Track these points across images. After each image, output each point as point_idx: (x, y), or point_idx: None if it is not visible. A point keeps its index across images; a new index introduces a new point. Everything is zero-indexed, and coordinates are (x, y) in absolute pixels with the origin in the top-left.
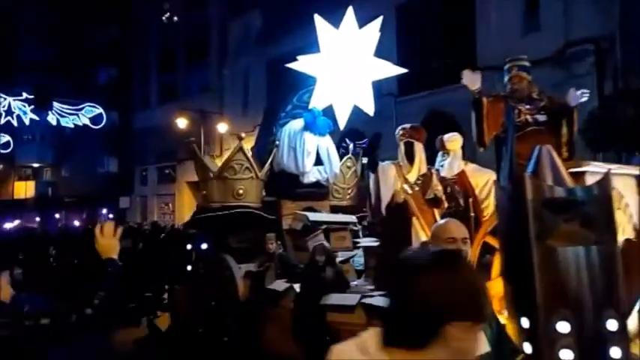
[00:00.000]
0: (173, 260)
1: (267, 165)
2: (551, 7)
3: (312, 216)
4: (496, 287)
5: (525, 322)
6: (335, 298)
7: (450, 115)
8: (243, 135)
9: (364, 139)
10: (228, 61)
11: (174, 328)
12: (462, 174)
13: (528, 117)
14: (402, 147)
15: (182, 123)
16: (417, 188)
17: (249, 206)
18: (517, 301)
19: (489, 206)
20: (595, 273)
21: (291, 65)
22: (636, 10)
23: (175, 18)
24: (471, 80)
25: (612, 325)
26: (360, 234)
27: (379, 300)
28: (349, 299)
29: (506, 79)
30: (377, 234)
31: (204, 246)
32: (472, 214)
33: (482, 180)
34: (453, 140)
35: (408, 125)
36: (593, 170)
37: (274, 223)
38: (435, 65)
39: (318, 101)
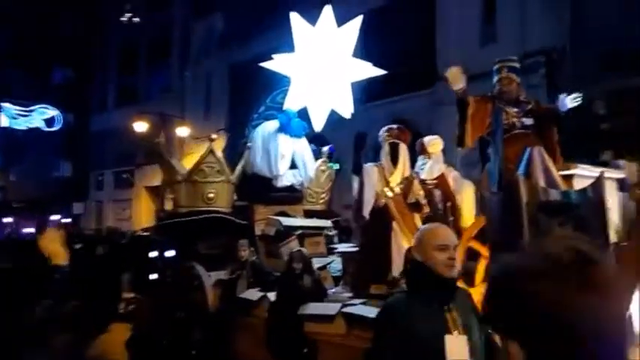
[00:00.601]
0: (135, 268)
1: (238, 168)
2: (508, 19)
3: (286, 221)
4: (479, 294)
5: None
6: (313, 308)
7: (411, 123)
8: (214, 136)
9: (329, 144)
10: (190, 63)
11: (136, 339)
12: (441, 177)
13: (515, 120)
14: (386, 148)
15: (141, 126)
16: (398, 191)
17: (219, 211)
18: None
19: (467, 216)
20: None
21: (265, 64)
22: (585, 24)
23: (137, 18)
24: (455, 79)
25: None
26: (336, 239)
27: (361, 309)
28: (329, 308)
29: (495, 79)
30: (355, 239)
31: (170, 253)
32: (451, 218)
33: (462, 189)
34: (434, 143)
35: (394, 125)
36: (581, 174)
37: (246, 229)
38: (398, 72)
39: (292, 102)
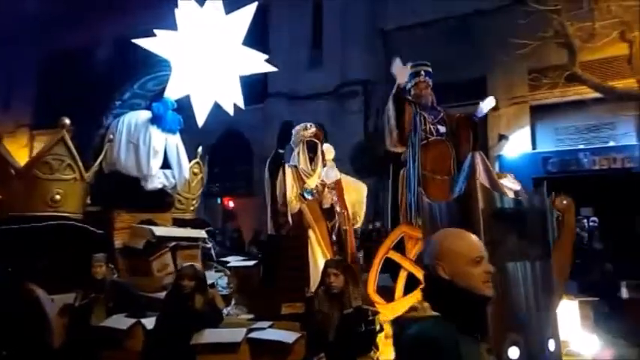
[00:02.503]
0: None
1: (96, 164)
2: (331, 48)
3: (159, 231)
4: (401, 309)
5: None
6: (211, 335)
7: (245, 135)
8: (66, 121)
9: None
10: None
11: None
12: (338, 182)
13: (431, 126)
14: (303, 147)
15: None
16: (313, 196)
17: (68, 217)
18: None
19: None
20: (538, 290)
21: (141, 43)
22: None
23: None
24: (399, 72)
25: (552, 345)
26: (213, 252)
27: (271, 333)
28: (231, 335)
29: (411, 84)
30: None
31: None
32: (345, 228)
33: (355, 191)
34: (330, 150)
35: (311, 123)
36: (506, 184)
37: (102, 241)
38: None
39: (173, 91)
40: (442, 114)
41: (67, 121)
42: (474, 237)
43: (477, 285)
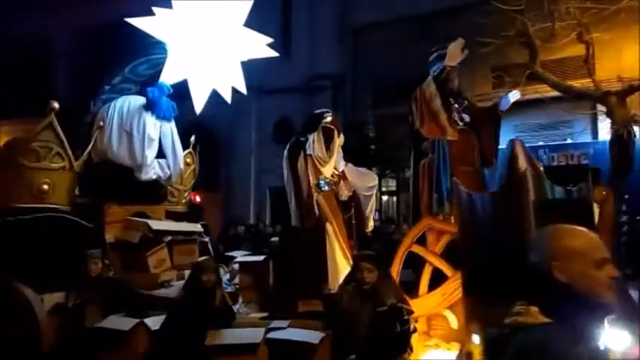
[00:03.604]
0: None
1: (85, 152)
2: (300, 43)
3: (155, 224)
4: (425, 306)
5: None
6: (228, 336)
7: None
8: (55, 105)
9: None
10: None
11: None
12: (344, 172)
13: (456, 114)
14: (319, 134)
15: None
16: (330, 187)
17: (57, 209)
18: None
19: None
20: None
21: (135, 23)
22: (362, 58)
23: None
24: (454, 54)
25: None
26: (210, 247)
27: (292, 333)
28: (249, 335)
29: (435, 69)
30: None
31: None
32: (353, 222)
33: (362, 182)
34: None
35: (327, 110)
36: None
37: (92, 235)
38: None
39: (169, 75)
40: (466, 103)
41: (56, 104)
42: (594, 235)
43: (600, 291)
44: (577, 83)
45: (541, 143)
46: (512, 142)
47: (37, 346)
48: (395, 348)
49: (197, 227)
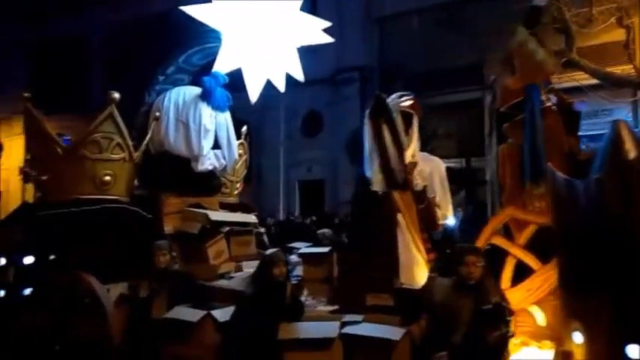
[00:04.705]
0: None
1: (144, 143)
2: (327, 34)
3: (214, 215)
4: (517, 298)
5: (635, 352)
6: (301, 330)
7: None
8: (116, 95)
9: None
10: None
11: None
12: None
13: (544, 96)
14: (398, 118)
15: None
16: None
17: (120, 200)
18: (618, 324)
19: (443, 205)
20: None
21: (189, 10)
22: (389, 50)
23: None
24: None
25: None
26: (266, 238)
27: (370, 329)
28: (322, 330)
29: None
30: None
31: (28, 260)
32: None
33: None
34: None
35: (407, 92)
36: None
37: (152, 226)
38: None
39: (223, 64)
40: (551, 85)
41: (117, 95)
42: None
43: None
44: (617, 70)
45: (580, 133)
46: (615, 125)
47: (106, 338)
48: (497, 352)
49: (252, 218)
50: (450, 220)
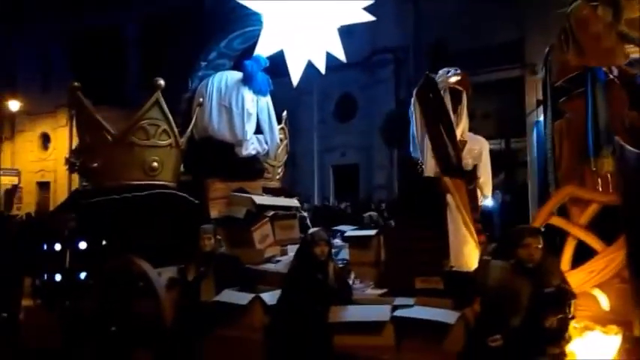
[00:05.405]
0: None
1: (189, 129)
2: None
3: (259, 199)
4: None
5: None
6: (352, 313)
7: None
8: (161, 82)
9: None
10: (21, 29)
11: None
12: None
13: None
14: (446, 96)
15: None
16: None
17: (167, 185)
18: None
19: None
20: None
21: None
22: (424, 29)
23: None
24: None
25: None
26: (309, 222)
27: (423, 312)
28: (374, 313)
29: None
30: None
31: (82, 245)
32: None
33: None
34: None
35: (457, 69)
36: None
37: (199, 211)
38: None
39: (265, 47)
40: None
41: (162, 81)
42: None
43: None
44: None
45: None
46: None
47: (159, 321)
48: (554, 336)
49: (295, 202)
50: (489, 201)
